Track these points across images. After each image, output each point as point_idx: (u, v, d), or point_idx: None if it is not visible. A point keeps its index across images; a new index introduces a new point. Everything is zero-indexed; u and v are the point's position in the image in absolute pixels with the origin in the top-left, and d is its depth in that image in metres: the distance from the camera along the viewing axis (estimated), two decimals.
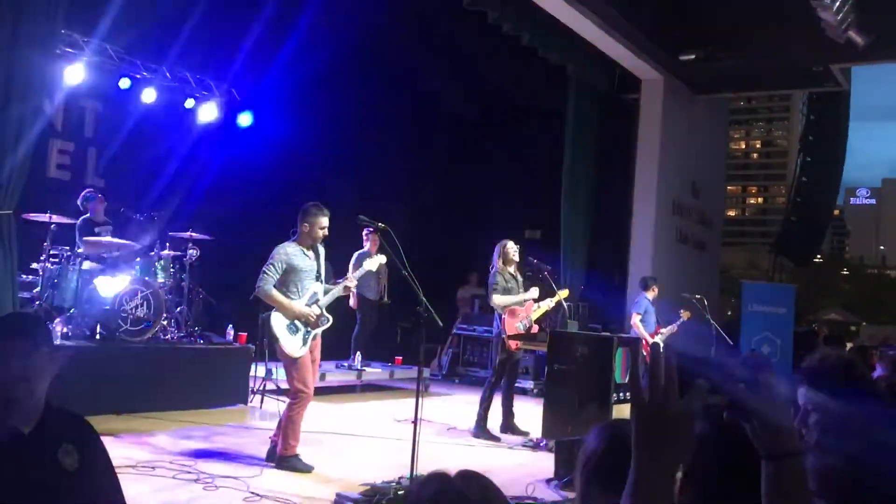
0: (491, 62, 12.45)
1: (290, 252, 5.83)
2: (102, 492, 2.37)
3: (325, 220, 5.89)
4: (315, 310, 5.88)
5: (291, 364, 5.80)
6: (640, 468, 1.23)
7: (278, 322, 5.76)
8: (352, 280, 6.25)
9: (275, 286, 5.76)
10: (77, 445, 2.29)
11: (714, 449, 1.55)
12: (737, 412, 1.26)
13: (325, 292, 6.02)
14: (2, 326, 2.41)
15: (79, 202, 8.57)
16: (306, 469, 5.75)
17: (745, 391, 1.24)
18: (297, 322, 5.79)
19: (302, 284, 5.86)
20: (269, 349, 7.40)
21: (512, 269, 7.97)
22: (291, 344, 5.77)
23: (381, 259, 6.33)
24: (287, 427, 5.78)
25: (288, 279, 5.82)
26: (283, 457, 5.77)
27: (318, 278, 5.99)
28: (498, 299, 7.76)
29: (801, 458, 1.24)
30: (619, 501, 1.23)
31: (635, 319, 9.75)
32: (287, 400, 5.94)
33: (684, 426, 1.22)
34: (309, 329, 5.84)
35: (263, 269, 5.78)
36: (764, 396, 1.23)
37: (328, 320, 5.97)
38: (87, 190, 8.80)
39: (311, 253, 5.94)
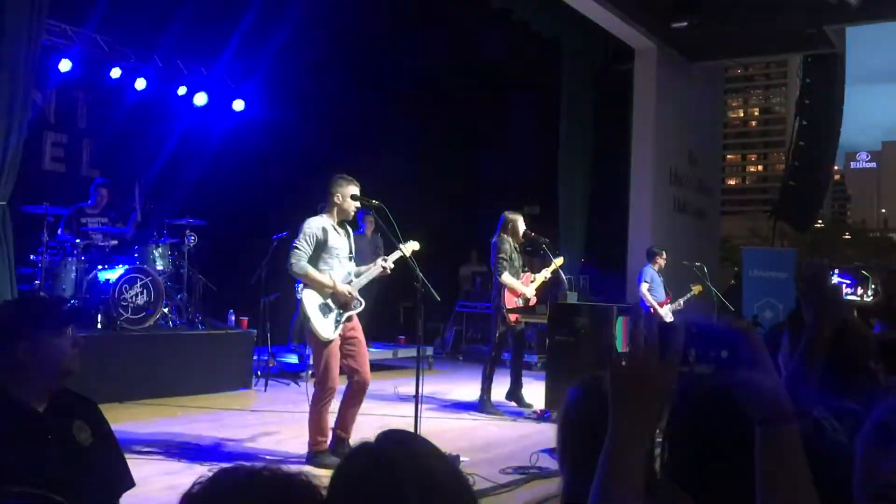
0: (484, 37, 12.38)
1: (322, 226, 5.47)
2: (114, 467, 2.51)
3: (356, 190, 5.54)
4: (351, 288, 5.55)
5: (321, 349, 5.44)
6: (617, 426, 1.23)
7: (311, 301, 5.42)
8: (389, 261, 5.70)
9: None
10: (89, 422, 2.40)
11: (698, 418, 1.56)
12: (726, 379, 1.26)
13: (357, 274, 5.72)
14: (60, 306, 2.53)
15: (91, 188, 8.51)
16: (336, 464, 5.48)
17: (732, 359, 1.23)
18: (330, 302, 5.46)
19: (334, 262, 5.52)
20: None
21: (516, 242, 7.95)
22: (323, 325, 5.42)
23: (415, 245, 5.72)
24: (313, 423, 5.46)
25: (318, 256, 5.47)
26: (312, 453, 5.45)
27: (350, 258, 5.67)
28: (507, 279, 7.71)
29: (795, 422, 1.24)
30: (598, 452, 1.23)
31: (644, 288, 9.86)
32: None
33: (663, 383, 1.22)
34: (341, 311, 5.50)
35: (293, 244, 5.45)
36: (753, 363, 1.23)
37: (361, 303, 5.63)
38: (98, 179, 8.74)
39: (341, 230, 5.61)
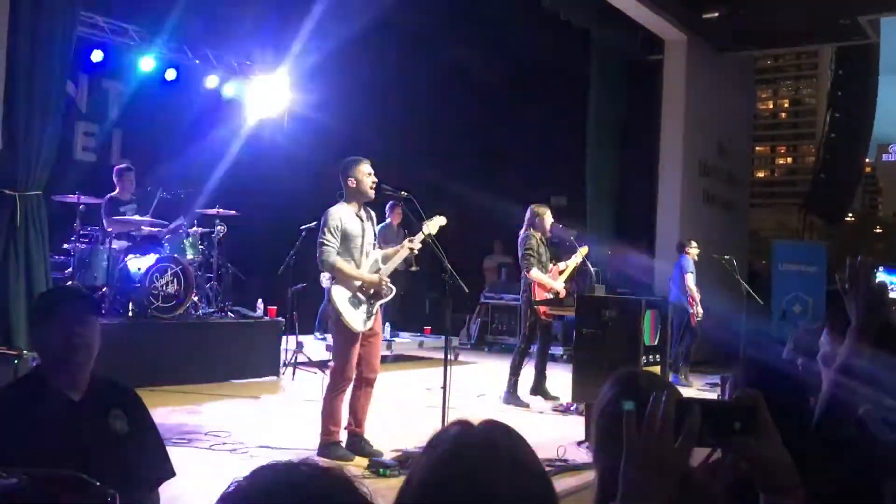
0: (514, 28, 12.32)
1: (342, 215, 5.29)
2: (152, 454, 2.50)
3: (369, 167, 5.34)
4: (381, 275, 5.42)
5: (347, 341, 5.32)
6: (628, 487, 1.25)
7: (340, 294, 5.27)
8: (416, 243, 5.51)
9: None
10: (125, 410, 2.41)
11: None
12: (739, 450, 1.30)
13: (384, 259, 5.54)
14: (71, 297, 2.55)
15: (114, 177, 8.60)
16: (347, 457, 5.25)
17: (744, 431, 1.26)
18: (360, 294, 5.31)
19: (360, 251, 5.35)
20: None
21: (543, 236, 7.92)
22: (354, 318, 5.27)
23: (442, 220, 5.57)
24: (326, 413, 5.35)
25: (343, 247, 5.30)
26: (324, 444, 5.34)
27: (373, 245, 5.50)
28: (536, 274, 7.69)
29: (798, 492, 1.26)
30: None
31: (690, 281, 9.75)
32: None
33: (675, 464, 1.24)
34: (373, 301, 5.37)
35: (319, 238, 5.29)
36: (763, 435, 1.25)
37: (392, 290, 5.48)
38: (120, 165, 8.82)
39: (364, 216, 5.42)
